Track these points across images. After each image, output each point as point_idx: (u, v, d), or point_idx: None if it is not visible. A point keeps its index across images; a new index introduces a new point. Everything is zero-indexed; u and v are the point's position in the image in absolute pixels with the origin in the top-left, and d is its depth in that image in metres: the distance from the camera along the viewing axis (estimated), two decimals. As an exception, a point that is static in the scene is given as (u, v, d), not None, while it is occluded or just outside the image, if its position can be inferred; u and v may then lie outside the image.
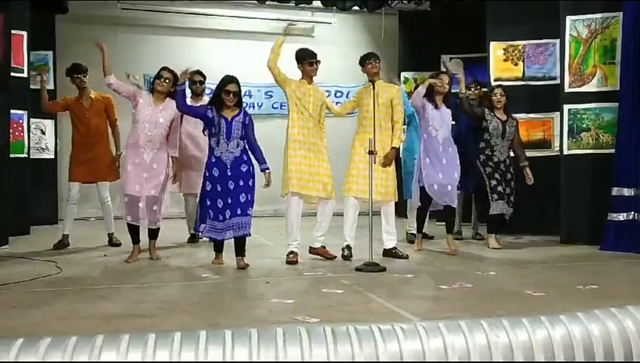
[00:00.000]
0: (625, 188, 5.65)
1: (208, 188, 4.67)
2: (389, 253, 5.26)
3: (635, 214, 5.62)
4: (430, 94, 5.48)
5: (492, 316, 1.97)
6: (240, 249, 4.74)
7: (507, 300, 3.57)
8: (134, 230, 5.02)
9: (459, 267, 4.81)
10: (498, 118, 5.88)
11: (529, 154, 6.25)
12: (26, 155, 7.27)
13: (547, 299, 3.59)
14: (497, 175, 5.76)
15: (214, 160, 4.66)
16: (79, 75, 5.85)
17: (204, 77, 6.18)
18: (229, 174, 4.62)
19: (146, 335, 1.63)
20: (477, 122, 5.96)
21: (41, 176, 7.89)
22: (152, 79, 5.11)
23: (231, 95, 4.64)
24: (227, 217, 4.60)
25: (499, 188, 5.73)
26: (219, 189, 4.62)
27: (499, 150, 5.83)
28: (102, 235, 6.10)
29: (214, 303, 3.54)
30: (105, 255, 5.34)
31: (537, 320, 1.90)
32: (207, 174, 4.68)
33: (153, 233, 5.08)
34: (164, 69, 5.02)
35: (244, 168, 4.67)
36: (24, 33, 6.93)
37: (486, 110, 5.93)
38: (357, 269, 4.58)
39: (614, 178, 5.72)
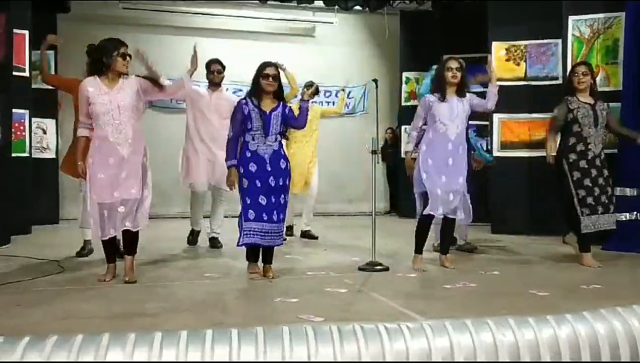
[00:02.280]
0: (628, 189, 5.65)
1: (245, 186, 4.14)
2: (305, 234, 6.58)
3: (638, 214, 5.62)
4: (437, 86, 4.72)
5: (496, 315, 1.96)
6: (270, 256, 4.34)
7: (510, 300, 3.57)
8: (110, 247, 4.17)
9: (461, 266, 4.80)
10: (584, 102, 4.84)
11: (531, 153, 6.24)
12: (27, 155, 7.27)
13: (550, 299, 3.58)
14: (587, 182, 4.75)
15: (249, 154, 4.18)
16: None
17: (223, 66, 5.89)
18: (269, 169, 4.16)
19: (152, 334, 1.61)
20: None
21: (42, 176, 7.89)
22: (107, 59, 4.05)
23: (270, 79, 4.19)
24: (275, 220, 4.15)
25: (589, 199, 4.74)
26: (259, 185, 4.13)
27: (593, 142, 4.79)
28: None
29: (217, 302, 3.53)
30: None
31: (543, 319, 1.89)
32: (243, 171, 4.17)
33: (131, 244, 4.13)
34: (124, 44, 4.17)
35: (283, 164, 4.24)
36: (26, 32, 6.93)
37: (568, 97, 4.88)
38: (360, 269, 4.58)
39: (617, 178, 5.70)
